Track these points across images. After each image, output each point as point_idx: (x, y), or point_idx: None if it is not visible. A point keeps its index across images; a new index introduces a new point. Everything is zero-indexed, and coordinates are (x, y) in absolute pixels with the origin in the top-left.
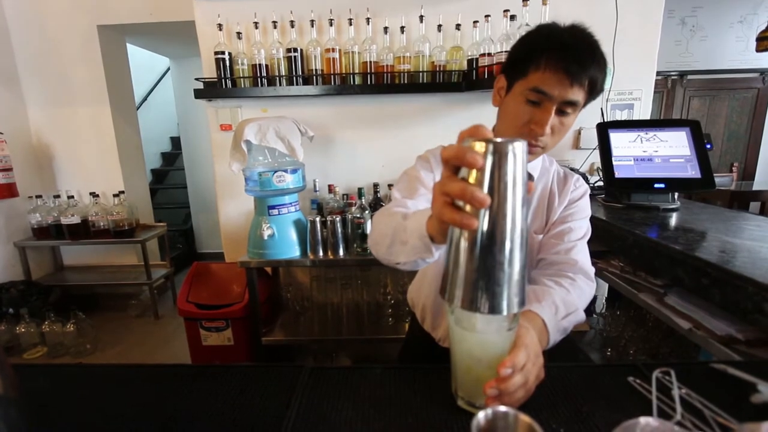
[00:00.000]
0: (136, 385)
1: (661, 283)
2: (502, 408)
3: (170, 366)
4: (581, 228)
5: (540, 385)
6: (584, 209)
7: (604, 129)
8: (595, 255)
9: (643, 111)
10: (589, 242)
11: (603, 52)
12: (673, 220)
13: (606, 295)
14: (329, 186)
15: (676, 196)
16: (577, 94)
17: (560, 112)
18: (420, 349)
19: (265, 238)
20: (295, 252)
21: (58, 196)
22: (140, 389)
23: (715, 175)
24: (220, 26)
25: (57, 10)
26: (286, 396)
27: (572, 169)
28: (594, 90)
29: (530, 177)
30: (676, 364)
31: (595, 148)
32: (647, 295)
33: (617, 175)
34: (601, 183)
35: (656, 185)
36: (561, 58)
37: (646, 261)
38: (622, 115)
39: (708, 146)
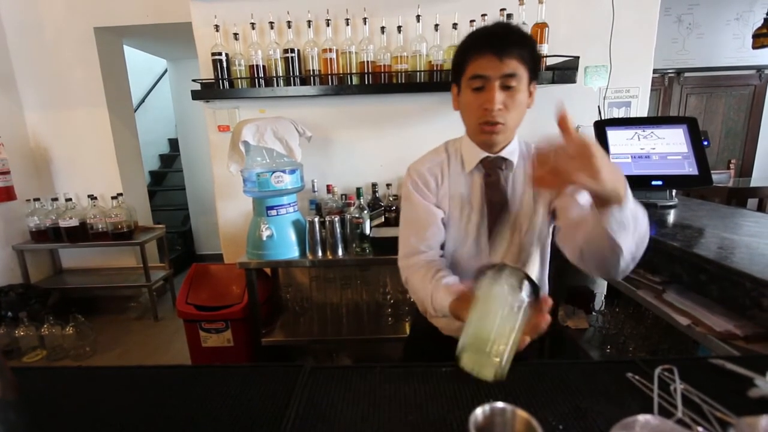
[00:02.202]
0: (135, 386)
1: (660, 279)
2: (500, 404)
3: (169, 367)
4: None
5: (539, 381)
6: None
7: (601, 127)
8: None
9: (641, 109)
10: None
11: (526, 32)
12: (671, 217)
13: (605, 293)
14: (328, 186)
15: (673, 193)
16: (511, 67)
17: (506, 88)
18: (424, 340)
19: (264, 238)
20: (294, 252)
21: (56, 199)
22: (139, 390)
23: (712, 172)
24: (216, 27)
25: (53, 13)
26: (286, 395)
27: None
28: (532, 60)
29: None
30: (674, 360)
31: None
32: (646, 292)
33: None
34: None
35: (654, 182)
36: (485, 43)
37: (645, 258)
38: (619, 113)
39: (705, 143)
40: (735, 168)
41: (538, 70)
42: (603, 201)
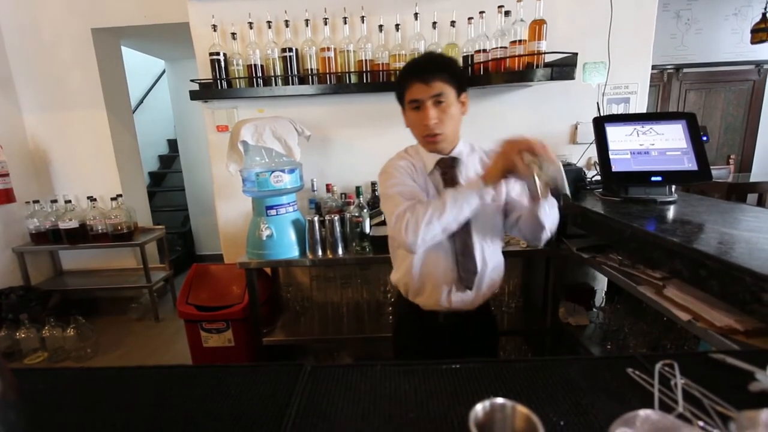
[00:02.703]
0: (135, 386)
1: (660, 275)
2: (500, 399)
3: (169, 367)
4: None
5: (539, 378)
6: None
7: (600, 123)
8: (593, 249)
9: (639, 105)
10: (587, 236)
11: (447, 57)
12: (671, 212)
13: (605, 289)
14: (327, 185)
15: (673, 189)
16: (437, 88)
17: (438, 104)
18: (409, 322)
19: (264, 238)
20: (294, 252)
21: (55, 201)
22: (140, 391)
23: (712, 167)
24: (214, 27)
25: (51, 14)
26: (286, 395)
27: (567, 164)
28: (455, 78)
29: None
30: (674, 355)
31: (591, 143)
32: (646, 287)
33: (614, 168)
34: (598, 177)
35: (653, 178)
36: (413, 74)
37: (645, 254)
38: (618, 109)
39: (704, 138)
40: (734, 163)
41: (464, 84)
42: (534, 197)
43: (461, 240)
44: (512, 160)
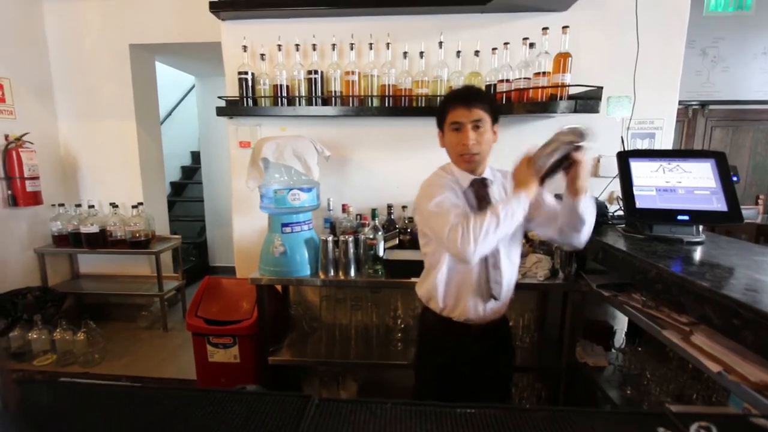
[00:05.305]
0: (136, 406)
1: (687, 320)
2: None
3: (173, 389)
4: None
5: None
6: None
7: (624, 158)
8: (614, 287)
9: (665, 140)
10: (607, 272)
11: (487, 91)
12: (698, 254)
13: (625, 329)
14: (343, 206)
15: (701, 229)
16: (478, 114)
17: (476, 128)
18: (437, 330)
19: (277, 255)
20: (306, 270)
21: (79, 205)
22: (139, 411)
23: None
24: (245, 48)
25: (93, 29)
26: (292, 429)
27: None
28: (491, 109)
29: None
30: (710, 416)
31: (615, 177)
32: (672, 332)
33: (638, 205)
34: (620, 212)
35: (680, 217)
36: (458, 99)
37: (671, 296)
38: (642, 144)
39: (734, 179)
40: (763, 204)
41: (498, 115)
42: (576, 191)
43: (492, 252)
44: (534, 162)
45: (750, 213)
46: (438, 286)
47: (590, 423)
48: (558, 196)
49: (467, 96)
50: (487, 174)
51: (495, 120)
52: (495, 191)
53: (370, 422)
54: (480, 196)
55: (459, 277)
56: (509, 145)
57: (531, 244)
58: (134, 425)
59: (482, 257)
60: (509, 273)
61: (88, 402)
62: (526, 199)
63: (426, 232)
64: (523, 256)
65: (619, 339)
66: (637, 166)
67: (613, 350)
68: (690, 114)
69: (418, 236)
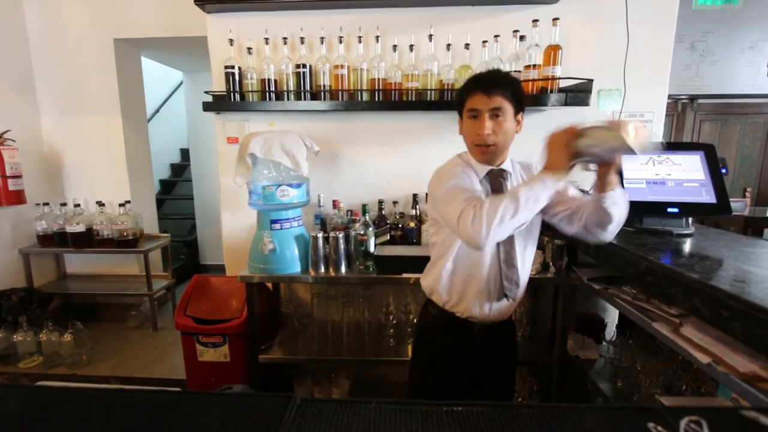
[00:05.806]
0: (115, 409)
1: (677, 312)
2: None
3: (152, 391)
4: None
5: (551, 427)
6: None
7: None
8: (605, 280)
9: (655, 133)
10: (598, 266)
11: (511, 76)
12: (688, 246)
13: (616, 322)
14: (334, 201)
15: (690, 221)
16: (497, 102)
17: (495, 117)
18: (438, 325)
19: (266, 252)
20: (296, 268)
21: (64, 204)
22: (120, 414)
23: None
24: (231, 41)
25: (76, 22)
26: (272, 431)
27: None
28: (515, 97)
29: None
30: (701, 409)
31: None
32: (661, 325)
33: (628, 197)
34: None
35: (669, 209)
36: (477, 85)
37: (661, 289)
38: None
39: (723, 171)
40: (751, 196)
41: (522, 104)
42: (604, 185)
43: (505, 248)
44: (571, 145)
45: (738, 205)
46: (443, 277)
47: (579, 419)
48: (584, 191)
49: (488, 81)
50: (506, 166)
51: (519, 109)
52: (513, 185)
53: (354, 422)
54: (496, 188)
55: (466, 271)
56: None
57: None
58: (111, 427)
59: (495, 252)
60: (524, 271)
61: (61, 407)
62: (554, 186)
63: (437, 218)
64: None
65: (610, 332)
66: (626, 158)
67: (604, 343)
68: (679, 108)
69: (428, 225)
